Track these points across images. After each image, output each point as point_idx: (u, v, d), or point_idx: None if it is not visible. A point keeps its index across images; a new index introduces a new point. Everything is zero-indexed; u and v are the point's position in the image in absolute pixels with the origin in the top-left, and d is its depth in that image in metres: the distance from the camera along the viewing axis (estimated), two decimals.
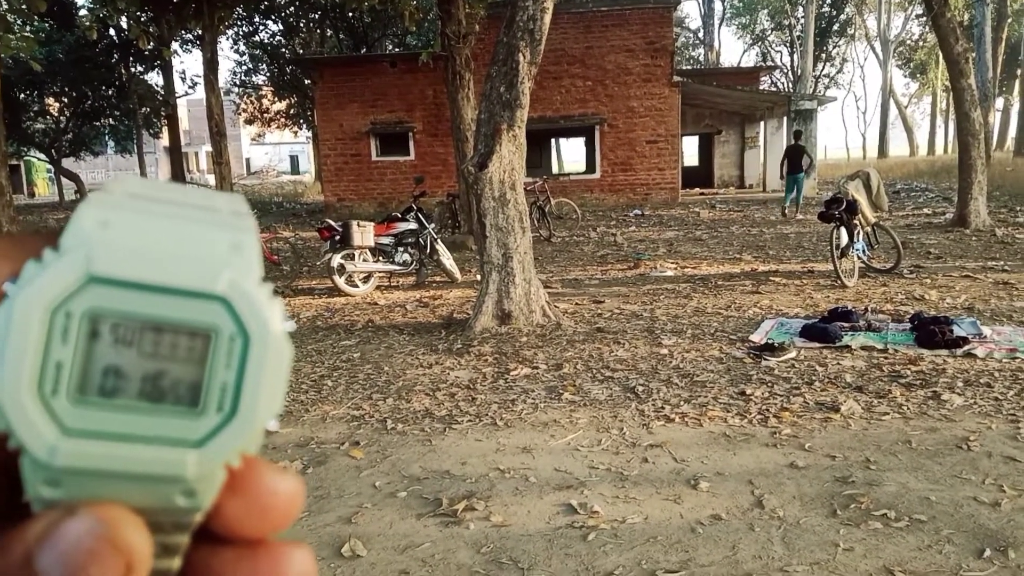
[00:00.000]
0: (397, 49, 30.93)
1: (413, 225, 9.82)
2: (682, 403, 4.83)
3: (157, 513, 0.25)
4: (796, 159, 16.39)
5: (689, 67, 43.47)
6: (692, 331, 6.64)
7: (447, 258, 9.93)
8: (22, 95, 28.56)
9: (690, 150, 28.56)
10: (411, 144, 21.52)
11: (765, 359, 5.65)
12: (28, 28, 19.90)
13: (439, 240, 10.04)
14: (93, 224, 0.24)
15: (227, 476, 0.26)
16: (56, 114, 31.70)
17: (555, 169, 29.73)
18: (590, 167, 22.20)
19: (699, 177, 26.63)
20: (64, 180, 34.12)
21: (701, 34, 50.50)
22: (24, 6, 12.91)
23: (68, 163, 34.50)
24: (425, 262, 9.88)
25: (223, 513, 0.26)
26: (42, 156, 34.55)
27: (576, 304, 8.06)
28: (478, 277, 9.42)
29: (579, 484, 3.75)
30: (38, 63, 15.43)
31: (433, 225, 10.21)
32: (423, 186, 12.06)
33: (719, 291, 8.47)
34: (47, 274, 0.23)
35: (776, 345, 5.82)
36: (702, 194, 23.68)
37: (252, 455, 0.26)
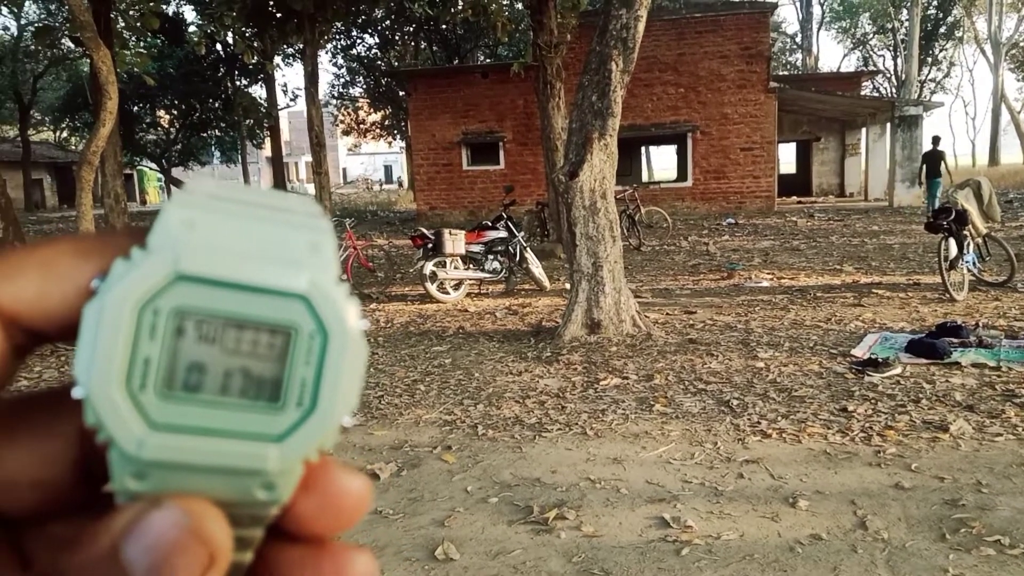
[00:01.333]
0: (488, 60, 31.33)
1: (503, 233, 9.91)
2: (779, 418, 4.69)
3: (236, 506, 0.25)
4: (935, 164, 15.96)
5: (786, 72, 42.33)
6: (790, 344, 6.45)
7: (536, 266, 9.97)
8: (136, 108, 30.28)
9: (787, 157, 27.79)
10: (501, 153, 21.74)
11: (868, 375, 5.43)
12: (141, 44, 21.08)
13: (528, 248, 10.10)
14: (179, 224, 0.24)
15: (302, 473, 0.26)
16: (166, 126, 33.45)
17: (645, 177, 29.41)
18: (681, 175, 21.90)
19: (796, 185, 25.87)
20: (173, 189, 35.90)
21: (799, 39, 49.14)
22: (139, 24, 13.68)
23: (177, 172, 36.34)
24: (514, 270, 9.95)
25: (294, 510, 0.27)
26: (153, 166, 36.53)
27: (667, 314, 7.95)
28: (567, 286, 9.41)
29: (672, 498, 3.69)
30: (151, 77, 16.34)
31: (522, 233, 10.27)
32: (513, 195, 12.16)
33: (818, 303, 8.19)
34: (136, 272, 0.24)
35: (880, 360, 5.59)
36: (799, 203, 23.01)
37: (326, 453, 0.27)
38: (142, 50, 18.56)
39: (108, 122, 7.34)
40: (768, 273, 10.41)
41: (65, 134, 42.07)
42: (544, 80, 12.44)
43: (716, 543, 3.23)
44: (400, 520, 3.59)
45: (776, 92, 19.94)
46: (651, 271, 11.26)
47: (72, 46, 27.62)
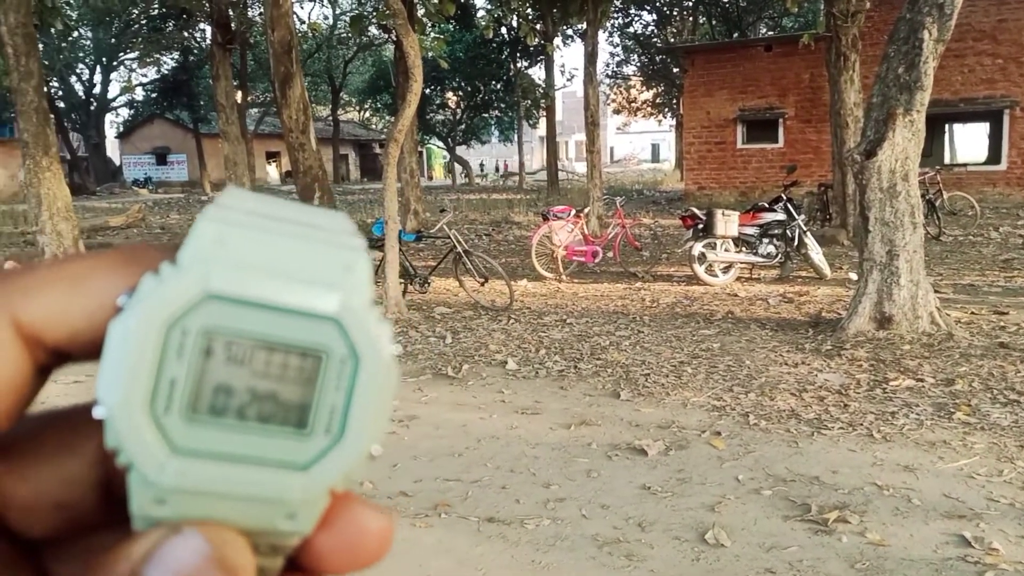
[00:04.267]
0: (771, 32, 29.78)
1: (781, 216, 9.39)
2: None
3: (258, 535, 0.24)
4: None
5: None
6: None
7: (816, 252, 9.34)
8: (427, 90, 32.81)
9: None
10: (780, 131, 20.63)
11: None
12: (437, 29, 22.75)
13: (808, 233, 9.48)
14: (212, 241, 0.23)
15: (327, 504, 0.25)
16: (453, 107, 35.90)
17: (948, 159, 26.33)
18: (993, 157, 19.32)
19: None
20: (456, 166, 38.63)
21: None
22: (437, 10, 14.75)
23: (460, 150, 38.92)
24: (791, 255, 9.41)
25: (310, 545, 0.25)
26: (440, 144, 39.48)
27: (972, 313, 7.08)
28: (850, 275, 8.74)
29: (974, 515, 3.30)
30: (445, 61, 17.58)
31: (802, 217, 9.67)
32: (795, 175, 11.48)
33: None
34: (165, 289, 0.23)
35: None
36: None
37: (351, 487, 0.25)
38: (438, 35, 20.01)
39: (413, 103, 7.97)
40: None
41: (368, 114, 46.82)
42: (837, 51, 11.55)
43: None
44: (668, 499, 3.58)
45: None
46: (953, 264, 10.08)
47: (378, 33, 30.56)
